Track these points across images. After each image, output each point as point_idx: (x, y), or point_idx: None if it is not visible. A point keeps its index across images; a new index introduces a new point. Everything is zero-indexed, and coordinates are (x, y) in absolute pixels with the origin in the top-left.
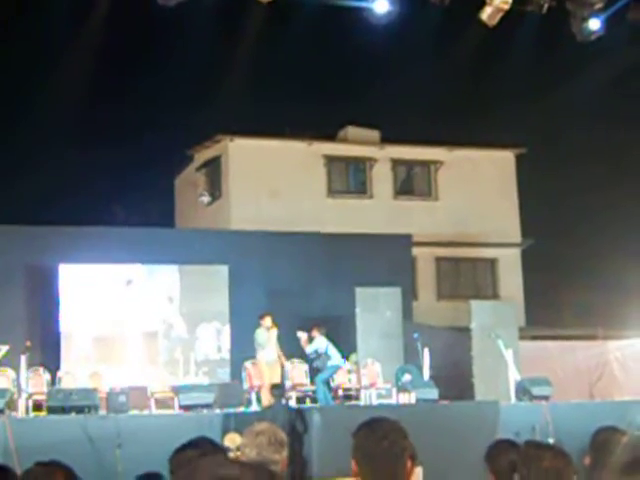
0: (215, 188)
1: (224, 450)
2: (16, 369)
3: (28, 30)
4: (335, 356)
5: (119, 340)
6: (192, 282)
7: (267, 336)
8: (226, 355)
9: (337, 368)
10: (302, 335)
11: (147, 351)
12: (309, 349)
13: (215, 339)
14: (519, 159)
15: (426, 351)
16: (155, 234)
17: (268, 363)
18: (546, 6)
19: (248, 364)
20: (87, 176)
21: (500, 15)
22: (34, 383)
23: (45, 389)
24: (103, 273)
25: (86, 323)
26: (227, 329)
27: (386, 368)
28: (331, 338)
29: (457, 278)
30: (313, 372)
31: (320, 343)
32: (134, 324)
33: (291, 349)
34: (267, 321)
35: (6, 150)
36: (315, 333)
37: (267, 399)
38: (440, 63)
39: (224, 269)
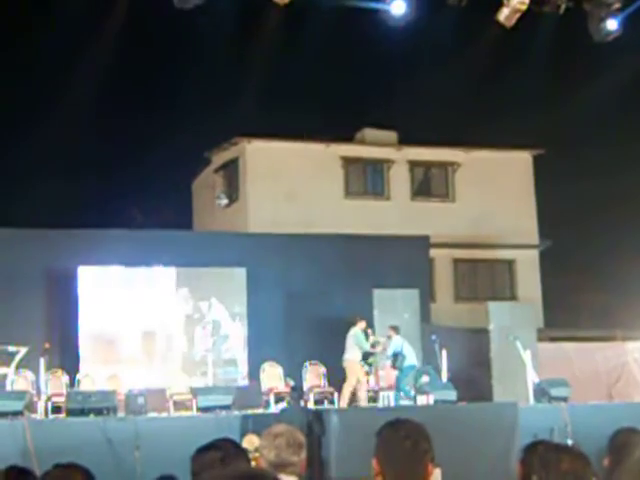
0: (233, 190)
1: (245, 451)
2: (35, 371)
3: (47, 32)
4: (410, 355)
5: (138, 342)
6: (210, 284)
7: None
8: (233, 355)
9: (413, 368)
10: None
11: (166, 353)
12: (389, 351)
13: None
14: (537, 160)
15: (444, 353)
16: (173, 237)
17: (360, 364)
18: (563, 7)
19: (266, 366)
20: (105, 179)
21: (517, 16)
22: (53, 385)
23: (64, 391)
24: (122, 275)
25: (104, 325)
26: (240, 329)
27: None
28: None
29: (475, 279)
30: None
31: (396, 342)
32: (153, 326)
33: (310, 351)
34: (363, 324)
35: (25, 154)
36: (391, 333)
37: (363, 399)
38: (457, 64)
39: (242, 271)
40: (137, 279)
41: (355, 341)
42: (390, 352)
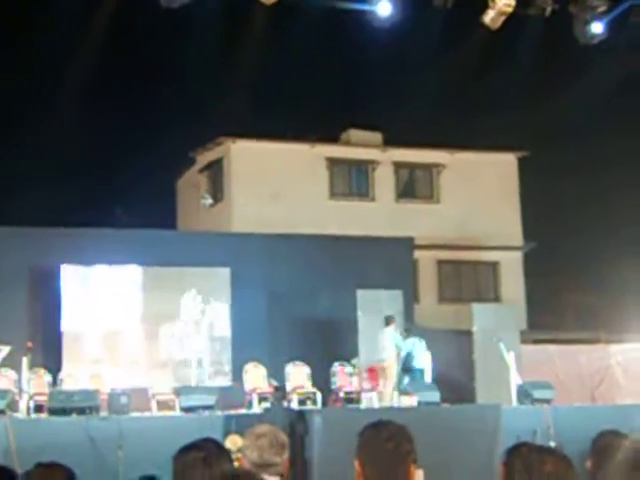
0: (217, 190)
1: (228, 452)
2: (18, 370)
3: (32, 33)
4: (417, 358)
5: (120, 341)
6: (193, 284)
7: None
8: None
9: (418, 371)
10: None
11: (149, 352)
12: (402, 353)
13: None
14: (521, 162)
15: (428, 354)
16: (157, 236)
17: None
18: (549, 9)
19: (249, 366)
20: (90, 178)
21: (503, 18)
22: (35, 384)
23: (46, 390)
24: (105, 274)
25: (88, 324)
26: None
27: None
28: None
29: (459, 281)
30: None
31: (407, 344)
32: (135, 325)
33: (294, 352)
34: (394, 325)
35: (9, 153)
36: (404, 334)
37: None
38: (442, 66)
39: (226, 272)
40: (120, 278)
41: (394, 342)
42: (403, 354)
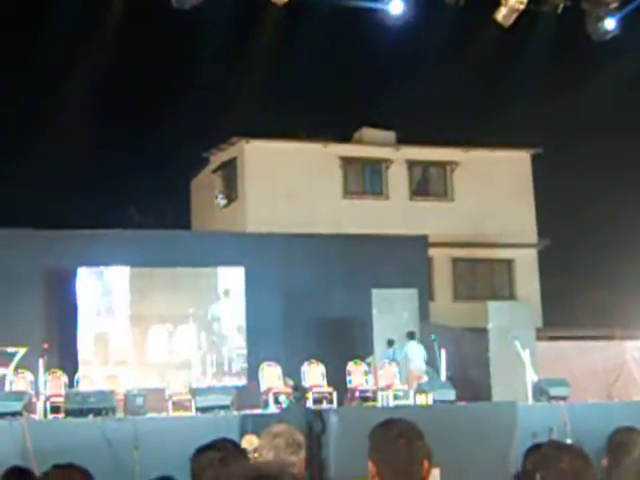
0: (231, 190)
1: (244, 452)
2: (34, 372)
3: (46, 32)
4: (414, 360)
5: (137, 342)
6: (207, 284)
7: None
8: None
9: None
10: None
11: (165, 353)
12: (399, 355)
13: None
14: (535, 159)
15: (443, 352)
16: (171, 236)
17: None
18: (561, 6)
19: (265, 366)
20: (104, 179)
21: (515, 15)
22: (52, 386)
23: (63, 392)
24: (121, 275)
25: (103, 326)
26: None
27: (403, 369)
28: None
29: (474, 279)
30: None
31: (403, 349)
32: (152, 326)
33: (309, 351)
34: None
35: (23, 154)
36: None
37: None
38: (455, 63)
39: (240, 271)
40: (136, 279)
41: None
42: (399, 357)
